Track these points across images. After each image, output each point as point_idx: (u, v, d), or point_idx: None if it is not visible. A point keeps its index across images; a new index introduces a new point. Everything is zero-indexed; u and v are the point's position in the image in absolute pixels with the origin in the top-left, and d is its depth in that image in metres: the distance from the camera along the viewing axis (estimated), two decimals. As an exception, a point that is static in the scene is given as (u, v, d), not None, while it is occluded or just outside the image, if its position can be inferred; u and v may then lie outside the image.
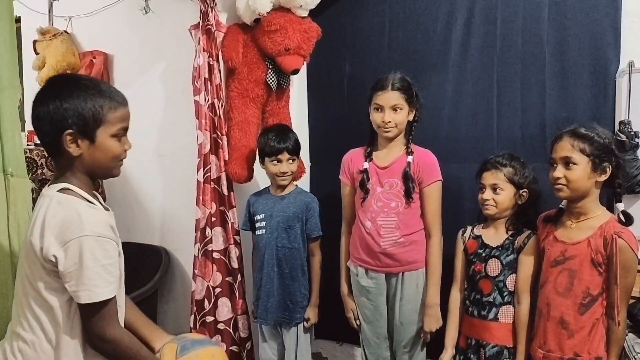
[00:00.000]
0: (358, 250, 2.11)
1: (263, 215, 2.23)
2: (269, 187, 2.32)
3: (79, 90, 1.20)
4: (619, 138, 2.07)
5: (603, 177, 1.60)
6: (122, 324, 1.35)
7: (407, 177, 2.02)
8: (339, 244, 2.26)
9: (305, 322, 2.21)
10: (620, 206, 1.65)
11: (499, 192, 1.85)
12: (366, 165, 2.09)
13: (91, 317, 1.19)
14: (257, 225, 2.25)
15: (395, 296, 2.06)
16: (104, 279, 1.18)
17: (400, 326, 2.07)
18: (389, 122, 2.00)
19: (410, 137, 2.09)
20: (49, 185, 1.26)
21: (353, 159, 2.16)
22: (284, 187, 2.26)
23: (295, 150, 2.22)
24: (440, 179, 2.05)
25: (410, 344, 2.07)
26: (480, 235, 1.93)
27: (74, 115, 1.19)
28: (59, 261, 1.15)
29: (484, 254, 1.89)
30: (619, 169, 1.62)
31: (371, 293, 2.10)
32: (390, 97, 2.00)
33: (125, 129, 1.29)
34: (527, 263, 1.81)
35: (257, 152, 2.27)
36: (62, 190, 1.22)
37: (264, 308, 2.20)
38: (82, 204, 1.20)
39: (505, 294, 1.84)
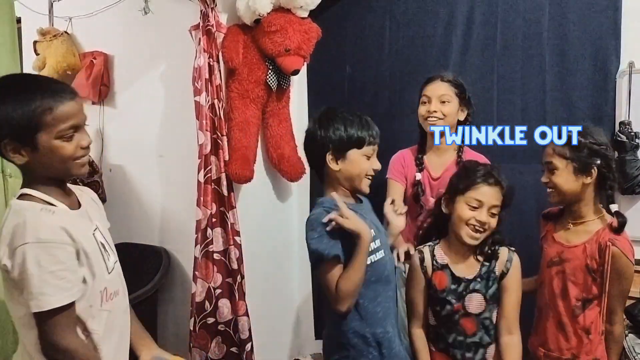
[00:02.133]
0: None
1: (372, 232, 1.52)
2: (331, 200, 1.51)
3: (7, 97, 1.12)
4: (619, 139, 2.07)
5: (589, 179, 1.59)
6: (128, 315, 1.34)
7: None
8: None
9: None
10: (614, 207, 1.64)
11: (494, 217, 1.56)
12: (419, 176, 1.99)
13: (43, 325, 1.13)
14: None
15: None
16: (53, 286, 1.12)
17: None
18: (435, 111, 1.92)
19: (462, 140, 1.99)
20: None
21: (407, 160, 2.04)
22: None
23: None
24: None
25: None
26: (448, 265, 1.60)
27: (6, 125, 1.11)
28: (9, 270, 1.12)
29: (460, 290, 1.58)
30: (608, 170, 1.60)
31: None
32: (439, 87, 1.94)
33: (75, 126, 1.18)
34: (515, 288, 1.59)
35: (325, 145, 1.52)
36: (20, 196, 1.18)
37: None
38: (33, 210, 1.15)
39: (492, 331, 1.60)
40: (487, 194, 1.54)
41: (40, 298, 1.11)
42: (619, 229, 1.58)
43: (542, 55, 2.23)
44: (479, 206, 1.54)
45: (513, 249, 1.62)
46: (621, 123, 2.08)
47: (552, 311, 1.67)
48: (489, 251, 1.59)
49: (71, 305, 1.15)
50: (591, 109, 2.16)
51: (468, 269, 1.59)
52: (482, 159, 1.99)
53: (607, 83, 2.14)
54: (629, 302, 1.96)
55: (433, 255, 1.63)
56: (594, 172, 1.58)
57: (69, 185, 1.29)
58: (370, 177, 1.55)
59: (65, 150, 1.17)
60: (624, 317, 1.66)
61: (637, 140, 2.07)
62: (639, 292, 2.01)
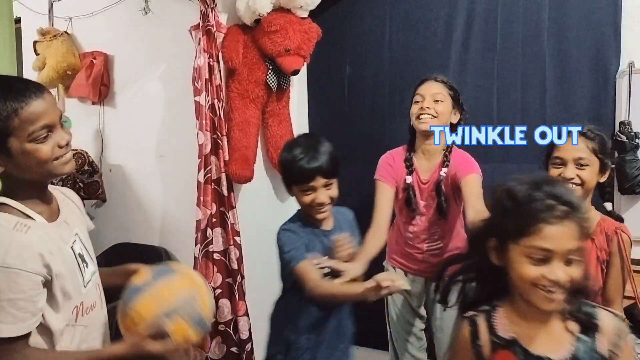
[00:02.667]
0: (398, 254, 2.04)
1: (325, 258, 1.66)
2: (303, 216, 1.67)
3: None
4: (619, 139, 2.07)
5: (604, 178, 1.61)
6: (107, 327, 1.27)
7: (439, 191, 1.90)
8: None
9: None
10: (608, 205, 1.66)
11: (574, 264, 1.01)
12: (409, 179, 1.96)
13: None
14: None
15: (434, 301, 1.95)
16: (8, 314, 1.04)
17: (441, 332, 1.98)
18: (428, 108, 1.88)
19: (453, 141, 1.96)
20: None
21: (397, 163, 2.00)
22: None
23: (331, 171, 1.58)
24: (479, 174, 1.87)
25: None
26: (516, 340, 1.07)
27: None
28: None
29: None
30: (612, 170, 1.66)
31: (409, 294, 2.02)
32: (432, 86, 1.92)
33: (48, 126, 1.10)
34: None
35: (281, 171, 1.68)
36: None
37: None
38: (7, 226, 1.07)
39: None
40: (557, 237, 0.99)
41: None
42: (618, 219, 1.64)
43: (542, 55, 2.23)
44: (548, 257, 0.99)
45: (619, 313, 1.20)
46: (621, 123, 2.08)
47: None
48: (585, 317, 1.05)
49: (26, 335, 1.08)
50: (591, 109, 2.16)
51: (552, 343, 1.05)
52: (468, 158, 1.95)
53: (607, 83, 2.13)
54: (629, 302, 1.96)
55: (491, 327, 1.10)
56: (609, 171, 1.61)
57: (50, 188, 1.23)
58: (320, 208, 1.57)
59: (41, 153, 1.09)
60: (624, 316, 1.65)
61: (637, 140, 2.06)
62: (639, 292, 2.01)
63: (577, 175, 1.60)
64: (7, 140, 1.06)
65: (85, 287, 1.20)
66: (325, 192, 1.56)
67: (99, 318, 1.25)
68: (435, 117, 1.89)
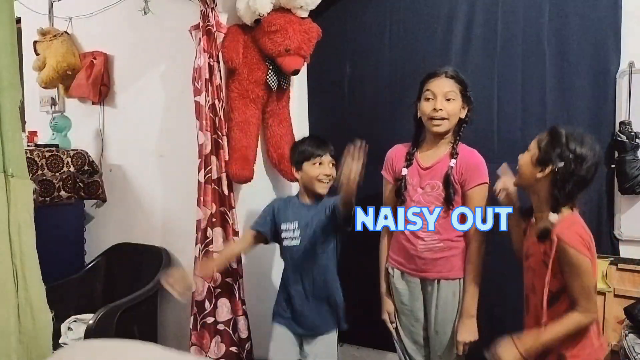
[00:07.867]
0: (395, 251, 2.02)
1: (297, 223, 2.05)
2: (296, 195, 2.15)
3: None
4: (619, 139, 2.07)
5: (541, 175, 1.56)
6: None
7: (448, 182, 1.86)
8: (337, 247, 2.22)
9: None
10: (553, 217, 1.54)
11: None
12: (405, 171, 1.95)
13: None
14: (284, 234, 2.08)
15: (430, 303, 1.94)
16: None
17: (435, 335, 1.95)
18: (441, 110, 1.83)
19: (459, 136, 1.92)
20: None
21: (397, 156, 2.02)
22: (317, 196, 2.06)
23: (334, 157, 2.04)
24: (486, 182, 1.87)
25: (445, 355, 1.94)
26: None
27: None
28: None
29: None
30: (563, 179, 1.53)
31: (406, 297, 2.00)
32: (444, 83, 1.85)
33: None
34: None
35: (292, 160, 2.12)
36: None
37: (299, 319, 2.07)
38: None
39: None
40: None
41: None
42: (540, 236, 1.56)
43: (542, 55, 2.23)
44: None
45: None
46: (621, 123, 2.08)
47: (529, 305, 1.67)
48: None
49: None
50: (591, 109, 2.16)
51: None
52: (475, 154, 1.93)
53: (607, 83, 2.13)
54: (629, 302, 1.96)
55: None
56: (548, 170, 1.55)
57: None
58: (324, 179, 2.02)
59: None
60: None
61: (637, 140, 2.06)
62: (639, 292, 2.01)
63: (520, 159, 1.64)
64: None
65: None
66: (330, 167, 2.04)
67: None
68: (446, 119, 1.85)
